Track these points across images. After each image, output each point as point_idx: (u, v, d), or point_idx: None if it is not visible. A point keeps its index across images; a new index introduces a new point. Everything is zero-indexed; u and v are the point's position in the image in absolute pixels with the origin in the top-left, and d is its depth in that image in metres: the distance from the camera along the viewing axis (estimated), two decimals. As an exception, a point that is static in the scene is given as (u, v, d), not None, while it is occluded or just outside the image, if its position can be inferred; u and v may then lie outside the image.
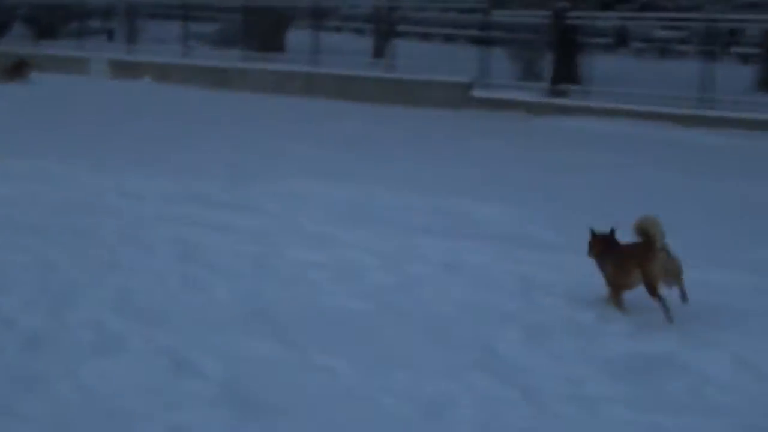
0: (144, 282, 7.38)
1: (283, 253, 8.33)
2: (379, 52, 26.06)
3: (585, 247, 7.32)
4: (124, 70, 27.29)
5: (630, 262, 6.85)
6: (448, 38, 27.72)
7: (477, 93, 21.31)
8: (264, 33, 28.17)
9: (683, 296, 6.85)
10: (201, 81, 26.18)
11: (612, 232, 7.21)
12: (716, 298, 7.32)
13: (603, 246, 7.19)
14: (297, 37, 27.49)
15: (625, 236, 6.99)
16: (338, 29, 30.64)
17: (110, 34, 34.31)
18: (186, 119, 18.40)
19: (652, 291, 6.72)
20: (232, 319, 6.57)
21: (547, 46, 21.80)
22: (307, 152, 13.95)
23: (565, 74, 20.81)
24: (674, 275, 6.82)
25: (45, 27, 34.15)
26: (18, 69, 25.50)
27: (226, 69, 26.23)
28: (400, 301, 7.10)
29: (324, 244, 8.66)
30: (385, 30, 26.32)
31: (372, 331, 6.43)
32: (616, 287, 7.02)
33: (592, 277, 7.39)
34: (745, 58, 26.25)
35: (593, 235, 7.29)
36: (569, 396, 5.46)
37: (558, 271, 7.97)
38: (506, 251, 8.50)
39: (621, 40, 22.38)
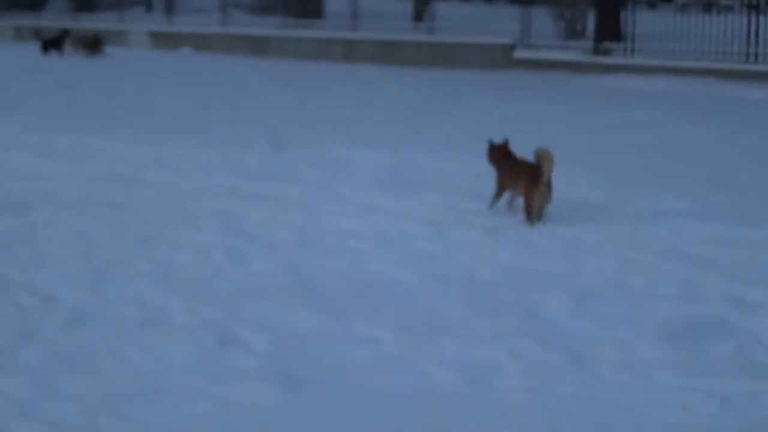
0: (186, 255, 7.35)
1: (324, 223, 8.27)
2: (419, 16, 25.85)
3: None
4: (163, 40, 27.27)
5: (519, 175, 8.16)
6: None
7: (519, 54, 21.13)
8: (302, -1, 28.02)
9: (540, 220, 8.08)
10: (240, 49, 26.13)
11: (506, 142, 8.55)
12: (763, 256, 7.20)
13: (500, 154, 8.48)
14: (336, 2, 27.34)
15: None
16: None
17: (149, 5, 34.31)
18: (225, 89, 18.33)
19: (528, 209, 8.03)
20: (276, 290, 6.52)
21: (590, 4, 21.53)
22: (347, 119, 13.86)
23: (608, 32, 20.54)
24: (546, 203, 8.06)
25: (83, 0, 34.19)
26: (94, 44, 25.63)
27: (265, 37, 26.15)
28: (444, 268, 7.02)
29: (366, 212, 8.59)
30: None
31: (416, 299, 6.37)
32: (500, 189, 8.40)
33: (639, 239, 7.26)
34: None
35: (491, 145, 8.56)
36: (618, 361, 5.37)
37: (604, 233, 7.86)
38: (551, 214, 8.37)
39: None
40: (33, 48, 26.72)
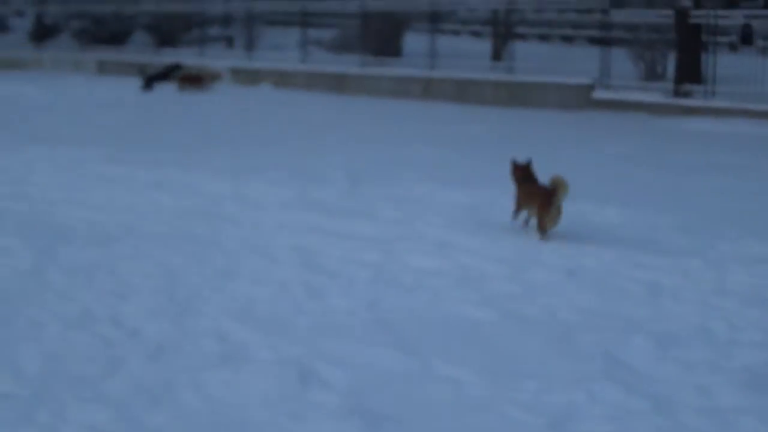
0: (265, 290, 7.40)
1: (403, 260, 8.27)
2: (497, 55, 25.88)
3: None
4: (243, 76, 27.56)
5: (535, 196, 9.06)
6: (567, 39, 27.45)
7: (598, 94, 21.03)
8: (381, 38, 28.21)
9: (545, 234, 8.97)
10: (320, 86, 26.34)
11: (529, 163, 9.39)
12: None
13: (522, 173, 9.34)
14: (414, 41, 27.47)
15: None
16: (456, 32, 30.56)
17: (230, 41, 34.74)
18: (304, 125, 18.50)
19: (541, 227, 8.96)
20: (355, 327, 6.54)
21: (670, 45, 21.39)
22: (425, 156, 13.90)
23: (689, 74, 20.37)
24: (554, 220, 8.93)
25: (165, 35, 34.75)
26: (197, 79, 26.09)
27: (344, 74, 26.33)
28: (523, 308, 6.99)
29: (444, 251, 8.59)
30: (503, 32, 26.14)
31: (495, 339, 6.34)
32: (518, 206, 9.32)
33: (721, 283, 7.18)
34: None
35: (515, 164, 9.41)
36: (701, 407, 5.30)
37: (685, 276, 7.78)
38: (631, 256, 8.32)
39: (746, 38, 21.82)
40: (115, 81, 27.22)
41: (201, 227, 9.44)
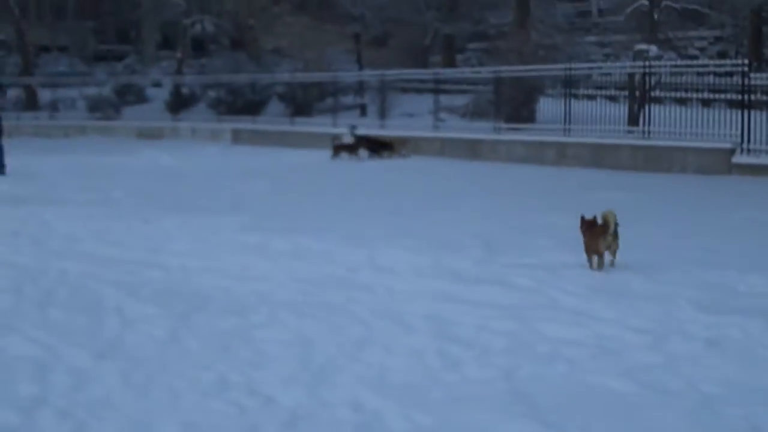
0: (400, 359, 7.35)
1: (538, 329, 8.14)
2: (634, 119, 25.61)
3: None
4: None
5: (594, 236, 10.52)
6: (706, 102, 26.94)
7: (739, 159, 20.62)
8: (515, 103, 28.20)
9: (612, 263, 10.68)
10: (453, 153, 26.45)
11: (594, 218, 10.57)
12: None
13: (587, 226, 10.58)
14: (548, 106, 27.38)
15: None
16: (591, 97, 30.29)
17: (363, 109, 35.14)
18: (437, 192, 18.53)
19: (598, 251, 10.56)
20: (490, 398, 6.44)
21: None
22: (559, 223, 13.72)
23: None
24: (613, 250, 10.62)
25: (299, 104, 35.33)
26: (352, 147, 26.62)
27: (477, 140, 26.41)
28: (664, 380, 6.80)
29: (580, 319, 8.43)
30: (640, 96, 25.87)
31: (635, 412, 6.17)
32: (588, 251, 10.63)
33: None
34: None
35: (582, 218, 10.61)
36: None
37: (834, 348, 7.48)
38: (775, 327, 8.05)
39: None
40: (249, 150, 27.70)
41: (335, 295, 9.45)
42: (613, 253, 10.66)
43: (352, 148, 26.52)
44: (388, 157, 26.22)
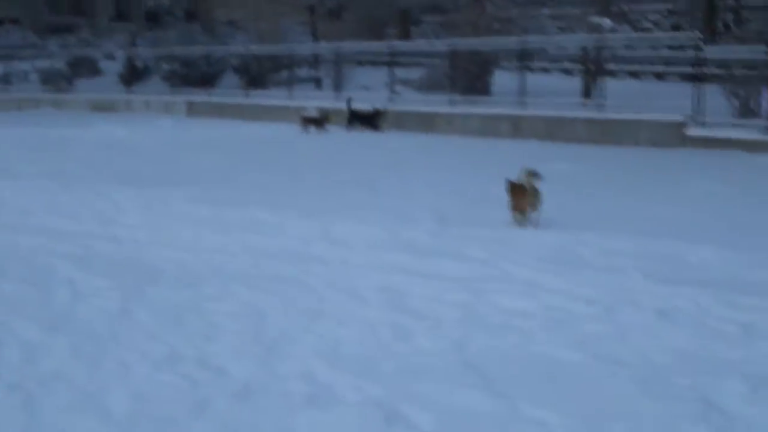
0: (353, 331, 7.36)
1: (490, 301, 8.18)
2: (587, 92, 25.71)
3: None
4: (332, 116, 27.70)
5: (518, 195, 11.41)
6: (659, 76, 27.18)
7: (691, 132, 20.77)
8: (470, 76, 28.21)
9: (536, 223, 11.50)
10: (408, 126, 26.41)
11: (519, 182, 11.46)
12: None
13: (513, 187, 11.44)
14: (503, 79, 27.40)
15: None
16: (545, 70, 30.43)
17: (318, 82, 35.03)
18: (391, 164, 18.52)
19: (522, 209, 11.43)
20: (441, 369, 6.46)
21: (764, 81, 21.05)
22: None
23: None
24: (535, 206, 11.48)
25: (254, 77, 35.15)
26: (319, 120, 26.46)
27: (433, 113, 26.38)
28: (613, 350, 6.85)
29: (532, 291, 8.47)
30: (593, 69, 25.98)
31: (585, 382, 6.21)
32: (513, 210, 11.49)
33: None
34: None
35: (510, 182, 11.47)
36: (799, 453, 5.13)
37: (782, 318, 7.57)
38: (725, 297, 8.13)
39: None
40: (203, 123, 27.55)
41: (288, 268, 9.44)
42: (536, 210, 11.54)
43: (319, 122, 26.43)
44: (381, 129, 26.15)
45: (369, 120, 26.47)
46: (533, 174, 11.59)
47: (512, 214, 11.51)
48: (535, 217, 11.53)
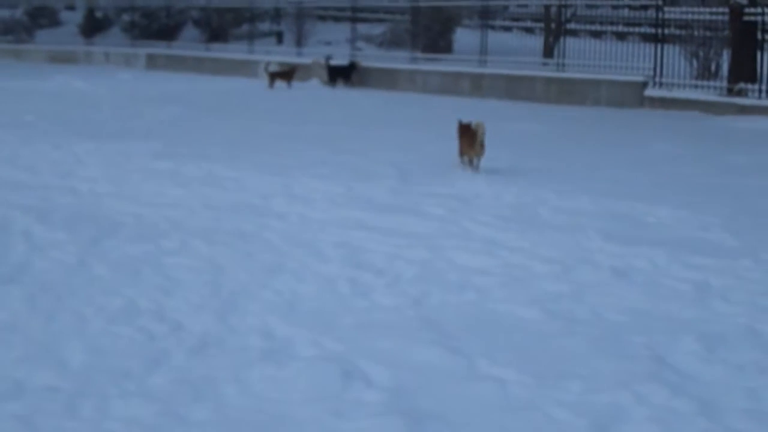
0: (311, 286, 7.38)
1: (449, 258, 8.21)
2: (548, 51, 25.72)
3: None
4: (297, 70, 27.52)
5: (466, 141, 12.50)
6: (620, 36, 27.17)
7: (651, 92, 20.86)
8: (432, 34, 28.14)
9: (476, 167, 12.50)
10: (370, 82, 26.35)
11: (469, 123, 12.50)
12: None
13: (463, 130, 12.59)
14: (465, 37, 27.36)
15: None
16: (507, 29, 30.39)
17: (279, 37, 34.79)
18: (352, 121, 18.51)
19: (469, 154, 12.53)
20: (399, 325, 6.49)
21: (724, 43, 21.14)
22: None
23: (743, 73, 20.13)
24: (479, 155, 12.45)
25: (215, 30, 34.84)
26: (287, 74, 26.28)
27: (394, 70, 26.33)
28: (570, 308, 6.91)
29: (491, 249, 8.51)
30: (554, 28, 25.98)
31: (541, 339, 6.27)
32: (461, 153, 12.66)
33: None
34: None
35: (460, 123, 12.69)
36: (749, 410, 5.19)
37: (735, 277, 7.67)
38: (680, 256, 8.21)
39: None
40: (164, 76, 27.34)
41: (247, 223, 9.43)
42: (479, 158, 12.52)
43: (288, 75, 26.28)
44: (353, 82, 26.14)
45: (344, 72, 26.48)
46: (480, 126, 12.37)
47: (460, 157, 12.64)
48: (476, 162, 12.52)
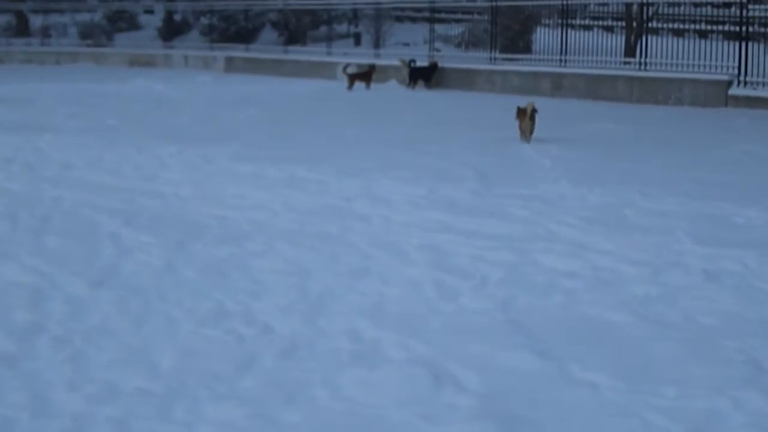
0: (397, 289, 7.34)
1: (535, 260, 8.13)
2: (630, 50, 25.44)
3: None
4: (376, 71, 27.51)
5: (521, 119, 15.09)
6: (704, 34, 26.81)
7: (735, 91, 20.53)
8: (511, 34, 28.00)
9: (528, 139, 15.09)
10: (448, 83, 26.28)
11: (526, 107, 15.02)
12: None
13: (519, 112, 15.18)
14: (544, 36, 27.18)
15: None
16: (587, 28, 30.10)
17: (357, 38, 34.86)
18: (432, 123, 18.46)
19: (522, 129, 15.16)
20: (487, 328, 6.44)
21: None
22: (555, 155, 13.71)
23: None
24: (531, 129, 15.02)
25: (293, 33, 34.99)
26: (366, 75, 26.39)
27: (473, 70, 26.24)
28: (661, 311, 6.80)
29: (577, 251, 8.41)
30: (636, 27, 25.69)
31: (632, 343, 6.17)
32: (521, 131, 15.17)
33: None
34: None
35: (518, 108, 15.26)
36: None
37: (831, 280, 7.49)
38: (773, 260, 8.05)
39: None
40: (242, 79, 27.51)
41: (331, 225, 9.41)
42: (531, 132, 15.03)
43: (367, 76, 26.31)
44: (432, 84, 26.18)
45: (425, 73, 26.46)
46: (533, 107, 14.93)
47: (519, 133, 15.22)
48: (530, 137, 15.05)
